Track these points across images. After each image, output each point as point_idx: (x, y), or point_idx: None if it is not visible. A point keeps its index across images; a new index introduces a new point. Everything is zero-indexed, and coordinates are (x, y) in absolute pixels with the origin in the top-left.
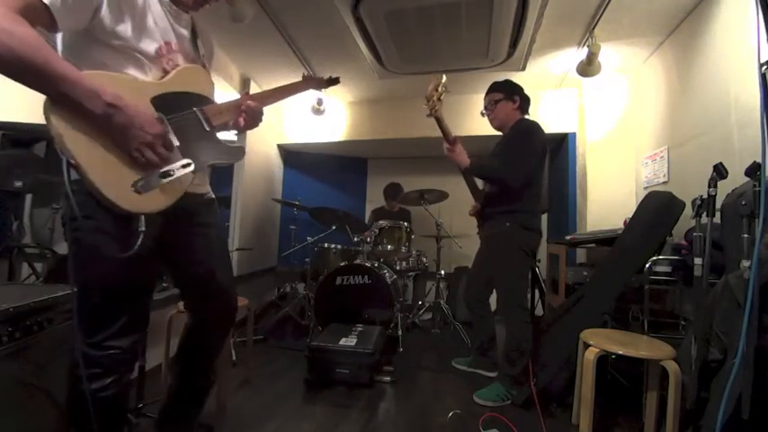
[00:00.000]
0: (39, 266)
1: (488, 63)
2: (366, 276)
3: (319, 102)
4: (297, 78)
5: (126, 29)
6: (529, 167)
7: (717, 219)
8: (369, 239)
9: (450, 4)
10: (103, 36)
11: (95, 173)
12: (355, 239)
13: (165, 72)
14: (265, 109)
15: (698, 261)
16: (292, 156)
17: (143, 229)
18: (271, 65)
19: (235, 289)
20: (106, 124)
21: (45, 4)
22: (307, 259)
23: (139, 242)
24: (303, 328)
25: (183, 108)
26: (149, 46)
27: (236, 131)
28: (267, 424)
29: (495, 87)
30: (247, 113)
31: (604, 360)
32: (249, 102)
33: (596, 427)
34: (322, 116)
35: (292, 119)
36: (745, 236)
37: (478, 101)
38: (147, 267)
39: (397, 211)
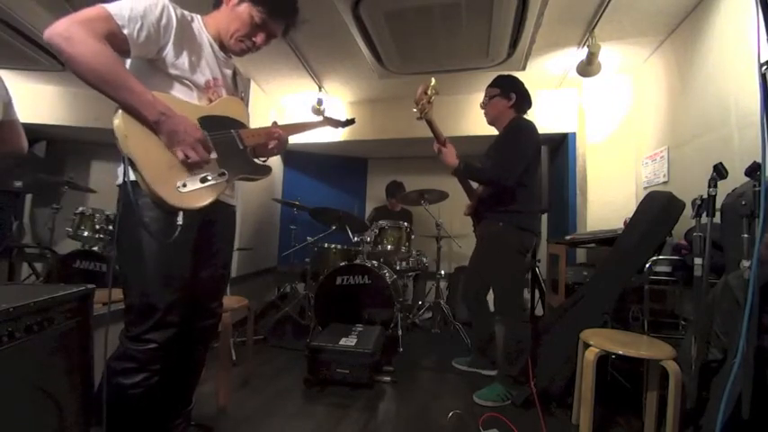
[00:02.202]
0: (39, 266)
1: (488, 63)
2: (366, 276)
3: (319, 102)
4: (297, 78)
5: (184, 62)
6: (519, 167)
7: (717, 219)
8: (369, 239)
9: (450, 4)
10: (164, 66)
11: (149, 171)
12: (355, 239)
13: (210, 101)
14: (266, 108)
15: (698, 261)
16: (292, 156)
17: (181, 222)
18: (271, 64)
19: (221, 305)
20: (158, 128)
21: (125, 35)
22: (307, 259)
23: (177, 233)
24: (303, 328)
25: (222, 128)
26: (200, 78)
27: (263, 158)
28: (267, 424)
29: (495, 82)
30: (278, 140)
31: (604, 360)
32: (277, 130)
33: (596, 427)
34: (322, 116)
35: (292, 119)
36: (745, 236)
37: (478, 101)
38: (184, 262)
39: (398, 210)
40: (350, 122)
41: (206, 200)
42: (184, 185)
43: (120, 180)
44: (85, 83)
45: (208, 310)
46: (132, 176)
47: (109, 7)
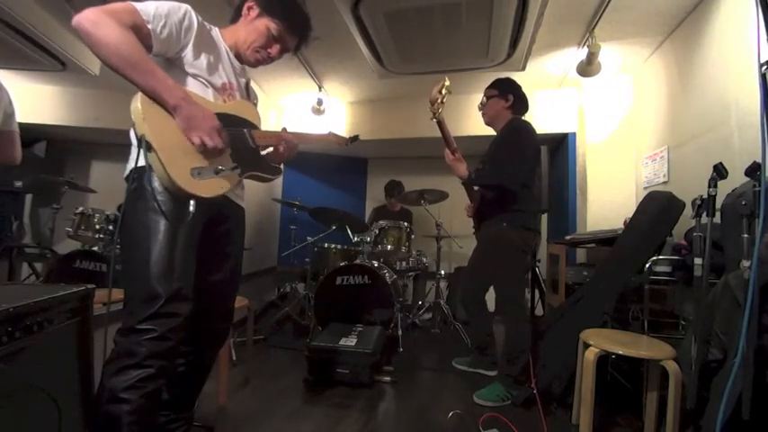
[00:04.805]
0: (39, 266)
1: (488, 63)
2: (366, 276)
3: (319, 102)
4: (297, 78)
5: (202, 63)
6: (522, 169)
7: (717, 219)
8: (369, 239)
9: (450, 4)
10: (182, 65)
11: (164, 153)
12: (355, 239)
13: (225, 102)
14: (266, 108)
15: (698, 261)
16: None
17: (192, 209)
18: (271, 64)
19: (233, 309)
20: (177, 113)
21: (149, 29)
22: (307, 259)
23: (189, 219)
24: (303, 328)
25: (236, 126)
26: (217, 80)
27: (275, 163)
28: (267, 424)
29: (493, 83)
30: (286, 144)
31: (604, 360)
32: (287, 135)
33: (596, 427)
34: (322, 116)
35: (292, 119)
36: (745, 236)
37: (478, 101)
38: (190, 253)
39: (398, 210)
40: (354, 139)
41: (219, 190)
42: (199, 173)
43: (132, 165)
44: (109, 66)
45: (222, 313)
46: (142, 161)
47: (135, 3)
